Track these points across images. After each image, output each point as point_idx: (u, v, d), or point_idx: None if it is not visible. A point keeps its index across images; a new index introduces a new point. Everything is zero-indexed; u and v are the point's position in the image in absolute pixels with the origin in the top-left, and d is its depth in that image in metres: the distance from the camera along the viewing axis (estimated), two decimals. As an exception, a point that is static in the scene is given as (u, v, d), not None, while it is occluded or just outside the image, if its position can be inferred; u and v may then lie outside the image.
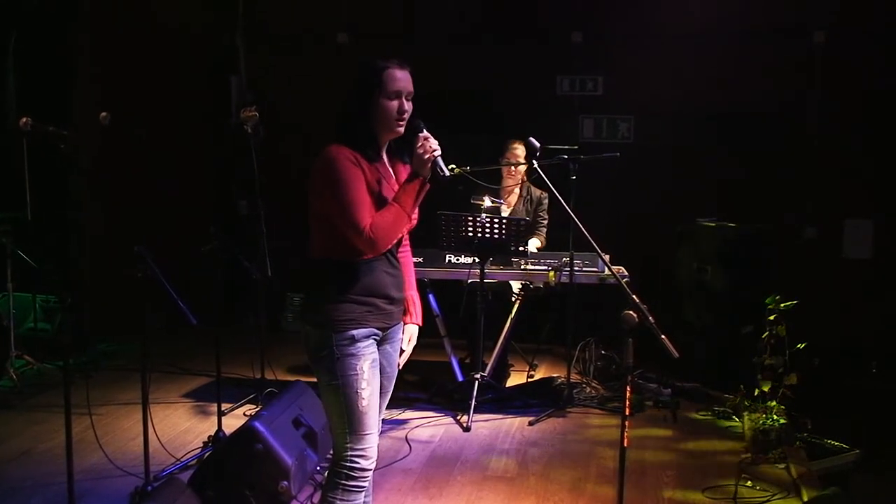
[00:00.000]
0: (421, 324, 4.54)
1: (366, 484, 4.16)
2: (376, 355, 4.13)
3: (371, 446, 4.12)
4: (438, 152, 4.03)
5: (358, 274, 4.05)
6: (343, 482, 4.08)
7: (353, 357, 4.01)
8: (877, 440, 6.82)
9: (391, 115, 4.03)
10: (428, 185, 4.06)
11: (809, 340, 6.43)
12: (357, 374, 4.02)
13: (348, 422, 4.05)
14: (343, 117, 4.07)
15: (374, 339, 4.12)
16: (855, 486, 6.30)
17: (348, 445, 4.07)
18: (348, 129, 4.03)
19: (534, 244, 8.09)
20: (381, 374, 4.20)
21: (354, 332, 4.03)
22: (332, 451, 4.21)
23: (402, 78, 4.04)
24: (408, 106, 4.06)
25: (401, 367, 4.46)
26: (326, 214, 3.98)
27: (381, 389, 4.26)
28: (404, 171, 4.17)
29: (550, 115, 10.22)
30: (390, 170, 4.20)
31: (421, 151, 4.00)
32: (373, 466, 4.16)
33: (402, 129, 4.08)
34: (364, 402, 4.04)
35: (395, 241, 4.10)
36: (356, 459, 4.08)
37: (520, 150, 8.16)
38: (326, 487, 4.15)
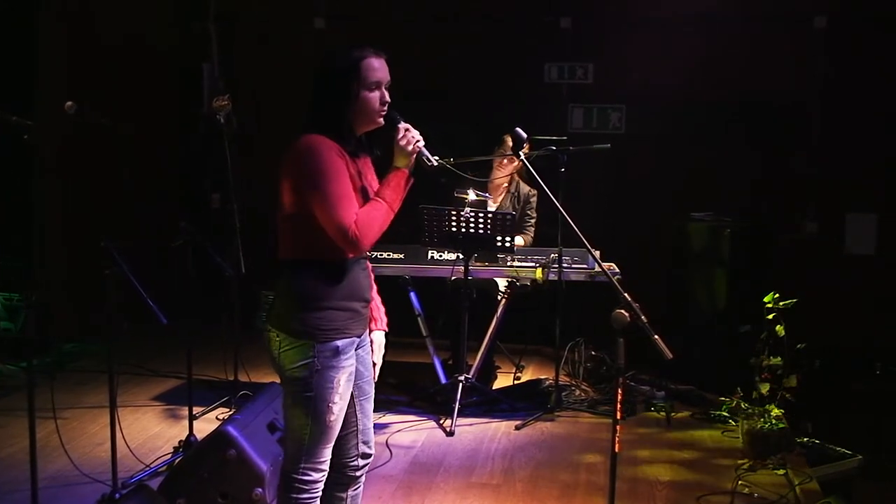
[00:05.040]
0: (387, 329, 4.50)
1: (318, 494, 4.14)
2: (354, 367, 4.10)
3: (325, 459, 4.11)
4: (422, 142, 4.03)
5: (338, 276, 3.99)
6: (295, 496, 4.07)
7: (332, 370, 3.97)
8: (881, 445, 6.84)
9: (373, 108, 3.98)
10: (412, 179, 4.05)
11: (810, 340, 6.45)
12: (333, 388, 3.98)
13: (310, 434, 4.02)
14: (318, 108, 4.00)
15: (354, 349, 4.10)
16: (857, 493, 6.33)
17: (303, 457, 4.05)
18: (326, 119, 3.96)
19: (517, 242, 8.07)
20: (359, 378, 4.19)
21: (339, 342, 3.98)
22: (282, 462, 4.20)
23: (380, 67, 4.00)
24: (388, 96, 4.03)
25: (375, 379, 4.42)
26: (305, 210, 3.90)
27: (363, 394, 4.27)
28: (371, 165, 4.18)
29: (538, 104, 10.21)
30: (368, 163, 4.18)
31: (404, 143, 3.98)
32: (324, 478, 4.14)
33: (382, 121, 4.04)
34: (332, 417, 4.02)
35: (377, 240, 4.02)
36: (309, 472, 4.07)
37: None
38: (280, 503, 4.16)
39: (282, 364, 4.01)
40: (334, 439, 4.12)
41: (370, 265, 4.30)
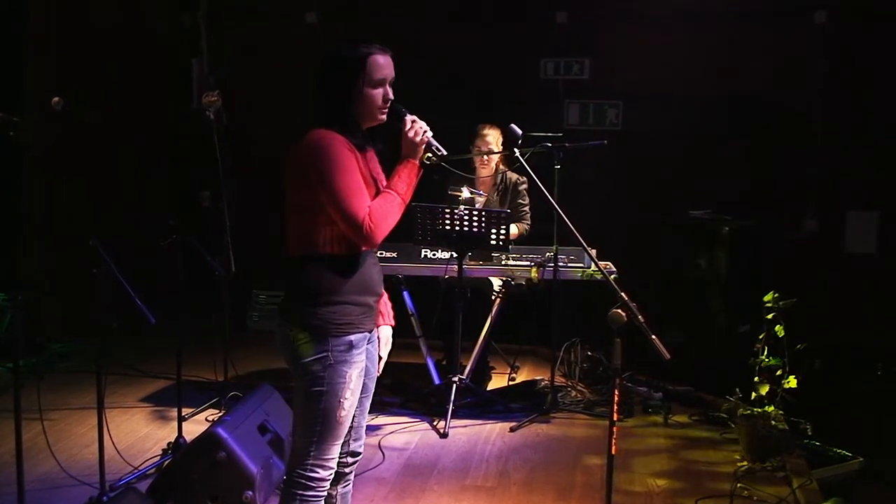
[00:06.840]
0: (394, 324, 4.55)
1: (324, 493, 4.17)
2: (364, 363, 4.14)
3: (334, 457, 4.15)
4: (430, 133, 4.13)
5: (351, 270, 4.05)
6: (301, 492, 4.10)
7: (345, 364, 4.02)
8: (882, 447, 6.83)
9: (376, 105, 4.07)
10: (421, 171, 4.15)
11: (810, 341, 6.43)
12: (345, 383, 4.02)
13: (320, 430, 4.05)
14: (325, 103, 4.06)
15: (366, 344, 4.15)
16: (858, 496, 6.32)
17: (312, 453, 4.07)
18: (331, 115, 4.03)
19: (513, 231, 8.00)
20: (365, 374, 4.21)
21: (352, 337, 4.04)
22: (289, 458, 4.22)
23: (385, 64, 4.07)
24: (391, 93, 4.10)
25: (379, 373, 4.46)
26: (317, 204, 3.95)
27: (365, 391, 4.30)
28: (376, 157, 4.23)
29: (533, 100, 10.18)
30: (373, 156, 4.23)
31: (412, 135, 4.09)
32: (331, 477, 4.18)
33: (385, 117, 4.12)
34: (343, 412, 4.06)
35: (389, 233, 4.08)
36: (317, 469, 4.10)
37: (490, 136, 8.13)
38: (284, 500, 4.17)
39: (295, 359, 4.05)
40: (343, 436, 4.17)
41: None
